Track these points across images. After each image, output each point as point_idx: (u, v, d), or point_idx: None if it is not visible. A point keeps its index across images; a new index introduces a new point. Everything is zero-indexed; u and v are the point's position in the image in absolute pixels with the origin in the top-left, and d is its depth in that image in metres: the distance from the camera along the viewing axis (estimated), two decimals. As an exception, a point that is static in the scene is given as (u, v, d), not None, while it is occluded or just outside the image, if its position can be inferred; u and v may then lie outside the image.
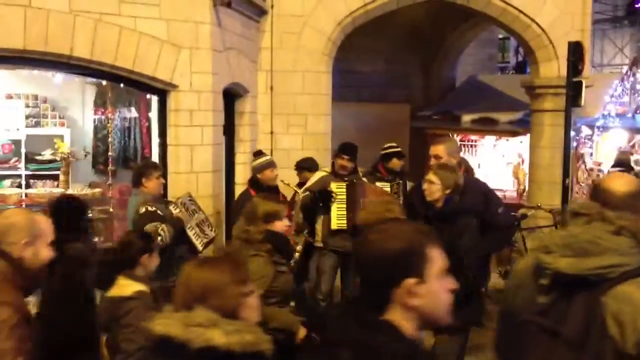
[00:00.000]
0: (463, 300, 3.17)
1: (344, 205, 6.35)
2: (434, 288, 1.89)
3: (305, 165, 7.27)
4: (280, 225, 4.23)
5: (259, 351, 2.18)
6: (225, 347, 2.11)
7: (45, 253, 2.83)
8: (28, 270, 2.78)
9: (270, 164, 6.41)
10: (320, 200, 6.26)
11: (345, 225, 6.29)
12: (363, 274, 1.99)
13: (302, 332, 4.08)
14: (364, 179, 6.74)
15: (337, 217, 6.34)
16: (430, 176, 4.73)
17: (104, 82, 7.36)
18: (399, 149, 7.28)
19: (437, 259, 1.91)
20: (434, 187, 4.67)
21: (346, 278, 6.65)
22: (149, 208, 5.36)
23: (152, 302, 3.64)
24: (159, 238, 5.25)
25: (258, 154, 6.72)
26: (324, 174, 6.66)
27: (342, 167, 6.51)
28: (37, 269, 2.82)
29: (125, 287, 3.64)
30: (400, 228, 1.99)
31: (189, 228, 5.64)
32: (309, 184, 6.61)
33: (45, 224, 2.89)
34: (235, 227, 4.52)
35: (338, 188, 6.38)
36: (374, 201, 5.11)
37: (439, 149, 5.43)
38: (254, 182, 6.32)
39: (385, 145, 7.36)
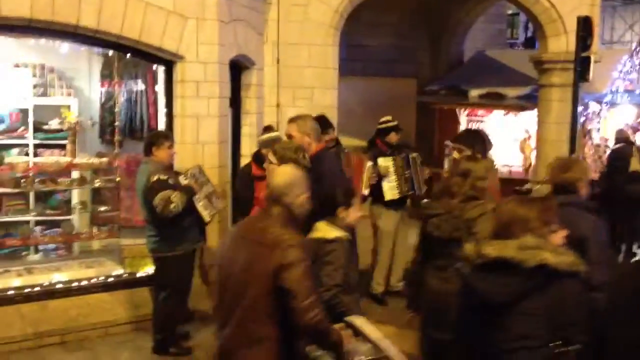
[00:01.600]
0: None
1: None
2: None
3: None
4: None
5: (578, 271, 2.95)
6: (555, 265, 2.88)
7: (308, 203, 3.45)
8: (299, 218, 3.41)
9: (276, 141, 6.24)
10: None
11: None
12: None
13: None
14: (366, 154, 6.77)
15: None
16: (269, 155, 4.47)
17: (111, 53, 7.36)
18: (395, 123, 7.28)
19: None
20: (272, 167, 4.41)
21: None
22: (161, 177, 5.45)
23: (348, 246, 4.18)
24: (172, 205, 5.33)
25: (267, 129, 6.60)
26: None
27: (330, 140, 6.53)
28: (303, 217, 3.45)
29: (328, 231, 4.11)
30: None
31: (197, 199, 5.70)
32: None
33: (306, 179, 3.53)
34: None
35: None
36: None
37: (291, 128, 5.21)
38: (257, 156, 6.26)
39: (382, 120, 7.35)
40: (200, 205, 5.75)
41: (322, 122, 6.70)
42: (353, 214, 4.33)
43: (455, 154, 5.47)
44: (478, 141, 5.60)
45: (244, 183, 5.94)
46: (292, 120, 5.34)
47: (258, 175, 5.72)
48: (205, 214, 5.81)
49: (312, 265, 3.89)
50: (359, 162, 6.61)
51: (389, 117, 7.27)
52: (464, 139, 5.76)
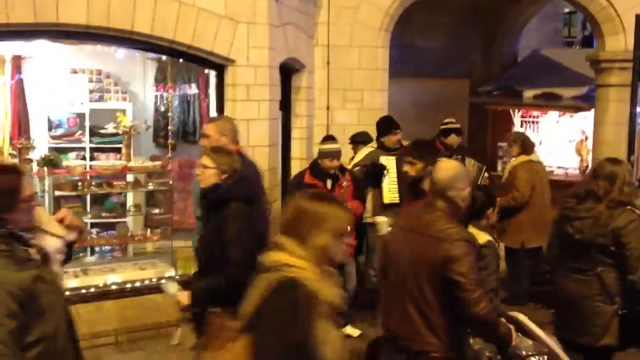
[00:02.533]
0: None
1: (396, 179, 6.31)
2: None
3: (360, 140, 7.25)
4: None
5: None
6: None
7: (469, 198, 3.55)
8: (462, 211, 3.49)
9: (330, 154, 5.98)
10: (372, 173, 6.22)
11: (398, 199, 6.25)
12: None
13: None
14: None
15: (390, 190, 6.30)
16: (204, 159, 4.22)
17: (164, 58, 7.50)
18: (458, 125, 7.21)
19: None
20: (208, 172, 4.15)
21: None
22: None
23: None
24: None
25: (327, 139, 6.44)
26: (371, 149, 6.63)
27: (397, 141, 6.48)
28: (465, 211, 3.54)
29: (479, 235, 4.00)
30: None
31: None
32: (357, 159, 6.59)
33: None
34: None
35: (388, 162, 6.34)
36: None
37: (210, 128, 5.08)
38: (313, 165, 6.17)
39: (445, 121, 7.29)
40: None
41: (387, 122, 6.70)
42: (493, 216, 4.37)
43: (407, 167, 5.31)
44: (427, 152, 5.32)
45: (296, 189, 5.93)
46: (211, 121, 5.33)
47: (309, 183, 5.74)
48: None
49: None
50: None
51: (452, 119, 7.21)
52: (413, 151, 5.50)
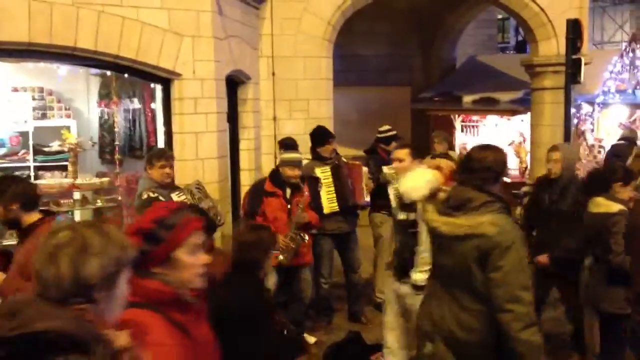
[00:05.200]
0: None
1: (332, 188, 6.40)
2: None
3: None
4: None
5: None
6: None
7: None
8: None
9: (291, 163, 5.95)
10: (309, 187, 6.22)
11: (337, 207, 6.36)
12: None
13: None
14: (370, 164, 6.82)
15: (328, 200, 6.38)
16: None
17: (108, 73, 7.45)
18: (395, 132, 7.32)
19: None
20: None
21: (347, 258, 6.72)
22: (151, 194, 5.46)
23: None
24: None
25: (288, 147, 6.43)
26: (305, 161, 6.69)
27: (334, 150, 6.60)
28: None
29: (610, 205, 4.70)
30: None
31: None
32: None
33: None
34: None
35: (323, 172, 6.42)
36: None
37: None
38: (273, 173, 6.11)
39: (383, 129, 7.31)
40: None
41: (323, 133, 6.77)
42: (627, 192, 4.84)
43: None
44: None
45: (256, 197, 5.95)
46: None
47: (269, 191, 5.79)
48: None
49: (600, 235, 4.70)
50: (357, 170, 6.65)
51: (388, 126, 7.34)
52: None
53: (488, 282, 3.24)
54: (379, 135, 7.28)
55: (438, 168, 4.44)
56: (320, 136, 6.73)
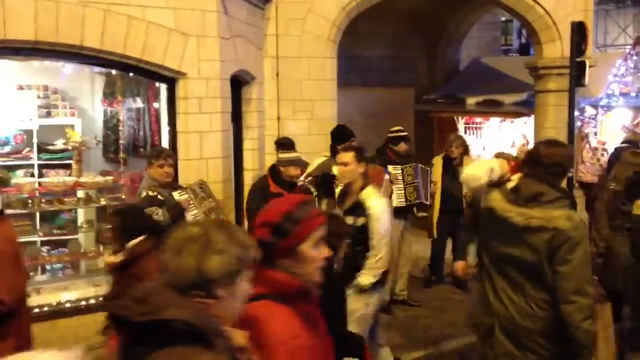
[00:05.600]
0: None
1: None
2: None
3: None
4: None
5: None
6: None
7: None
8: None
9: (296, 162, 6.07)
10: (322, 184, 6.30)
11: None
12: None
13: None
14: (376, 162, 6.83)
15: None
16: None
17: (113, 72, 7.46)
18: (406, 133, 7.38)
19: None
20: None
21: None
22: (150, 193, 5.51)
23: None
24: (156, 218, 5.37)
25: (285, 146, 6.43)
26: (323, 158, 6.72)
27: None
28: None
29: None
30: None
31: (194, 214, 5.67)
32: (309, 169, 6.67)
33: None
34: None
35: None
36: None
37: None
38: (274, 174, 6.13)
39: (394, 129, 7.43)
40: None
41: (343, 132, 6.80)
42: None
43: None
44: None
45: (261, 197, 5.91)
46: None
47: (276, 192, 5.78)
48: None
49: None
50: (379, 176, 6.62)
51: (400, 127, 7.37)
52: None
53: (555, 274, 3.40)
54: (390, 135, 7.31)
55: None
56: (341, 134, 6.78)
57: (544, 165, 3.54)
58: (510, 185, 3.73)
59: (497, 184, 3.87)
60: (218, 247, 1.82)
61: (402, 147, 7.31)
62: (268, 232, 2.23)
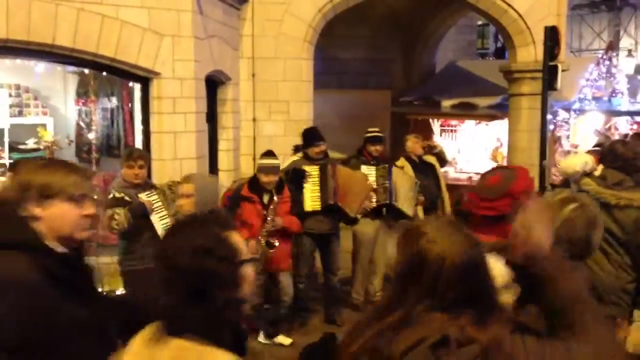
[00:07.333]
0: None
1: (317, 187, 6.44)
2: None
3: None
4: None
5: None
6: None
7: None
8: None
9: (266, 169, 5.91)
10: (293, 180, 6.30)
11: (320, 206, 6.38)
12: None
13: None
14: (351, 162, 6.87)
15: (311, 198, 6.41)
16: None
17: (86, 71, 7.40)
18: (382, 134, 7.39)
19: None
20: None
21: (326, 260, 6.74)
22: (116, 194, 5.47)
23: None
24: (114, 222, 5.33)
25: (267, 154, 6.27)
26: (296, 158, 6.75)
27: (321, 152, 6.62)
28: None
29: None
30: None
31: (161, 216, 5.59)
32: (282, 166, 6.67)
33: None
34: None
35: (311, 170, 6.47)
36: None
37: None
38: (252, 179, 6.09)
39: (370, 130, 7.44)
40: (158, 222, 5.64)
41: (312, 134, 6.79)
42: None
43: None
44: None
45: (234, 200, 5.96)
46: None
47: (245, 196, 5.80)
48: (162, 231, 5.71)
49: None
50: (345, 173, 6.65)
51: (376, 128, 7.40)
52: None
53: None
54: (367, 136, 7.35)
55: None
56: (308, 138, 6.77)
57: (624, 159, 4.35)
58: (597, 174, 4.53)
59: (587, 173, 4.68)
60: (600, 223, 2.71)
61: (377, 148, 7.34)
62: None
